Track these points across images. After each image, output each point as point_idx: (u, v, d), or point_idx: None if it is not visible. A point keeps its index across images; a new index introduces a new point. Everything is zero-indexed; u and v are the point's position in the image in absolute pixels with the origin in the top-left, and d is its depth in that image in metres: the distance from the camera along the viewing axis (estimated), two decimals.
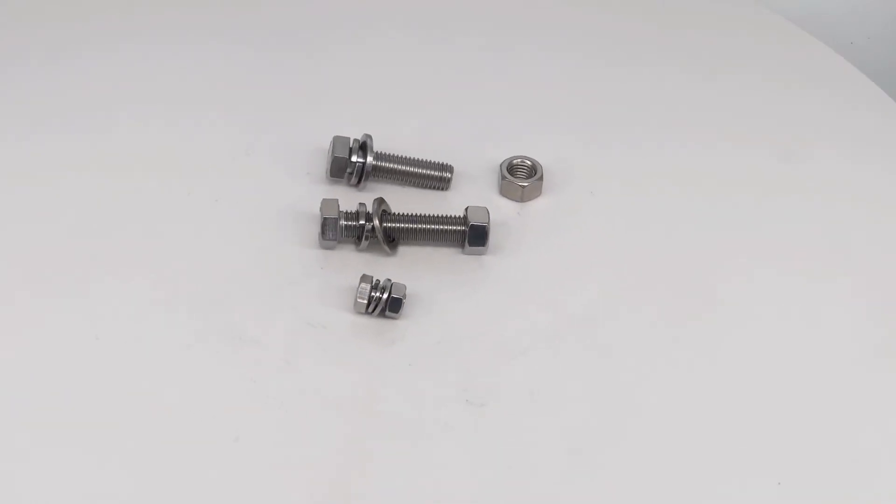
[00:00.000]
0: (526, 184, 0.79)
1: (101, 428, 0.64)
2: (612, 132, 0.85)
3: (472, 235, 0.74)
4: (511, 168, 0.80)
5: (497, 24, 0.94)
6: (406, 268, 0.74)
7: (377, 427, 0.66)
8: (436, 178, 0.78)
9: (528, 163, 0.80)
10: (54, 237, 0.74)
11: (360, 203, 0.74)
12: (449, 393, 0.68)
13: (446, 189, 0.79)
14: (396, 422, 0.66)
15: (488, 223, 0.74)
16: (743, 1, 0.99)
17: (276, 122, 0.82)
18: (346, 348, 0.70)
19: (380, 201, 0.75)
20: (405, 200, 0.77)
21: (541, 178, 0.79)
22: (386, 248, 0.74)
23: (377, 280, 0.71)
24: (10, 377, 0.66)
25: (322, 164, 0.79)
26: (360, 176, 0.77)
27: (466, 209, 0.75)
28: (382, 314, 0.71)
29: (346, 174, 0.77)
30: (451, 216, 0.75)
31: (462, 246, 0.75)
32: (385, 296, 0.70)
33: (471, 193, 0.79)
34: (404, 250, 0.75)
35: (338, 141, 0.77)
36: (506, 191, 0.80)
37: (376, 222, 0.73)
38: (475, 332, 0.71)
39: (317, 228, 0.74)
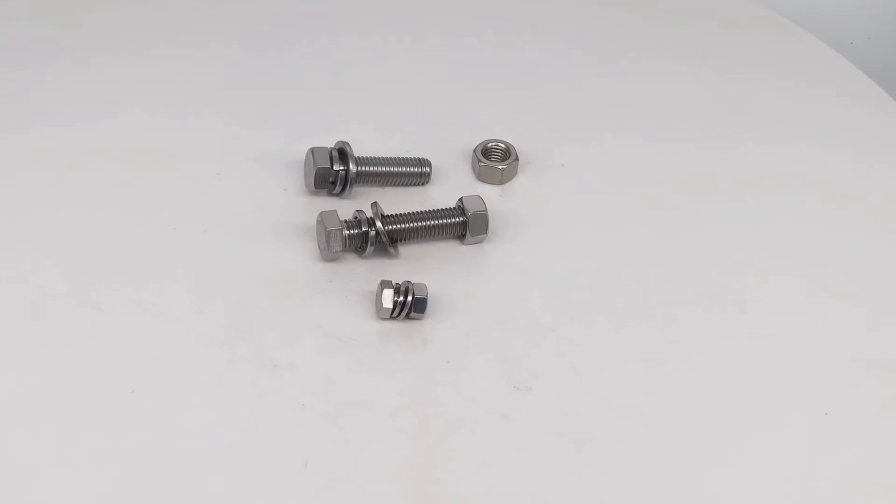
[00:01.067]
0: (504, 166, 0.80)
1: (172, 469, 0.63)
2: (579, 115, 0.86)
3: (474, 224, 0.75)
4: (486, 152, 0.81)
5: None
6: (412, 266, 0.74)
7: (441, 429, 0.66)
8: (416, 174, 0.78)
9: (502, 145, 0.81)
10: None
11: (357, 210, 0.74)
12: (494, 383, 0.68)
13: (426, 184, 0.79)
14: (457, 421, 0.66)
15: (486, 210, 0.75)
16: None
17: (237, 139, 0.81)
18: (382, 357, 0.69)
19: (376, 205, 0.74)
20: (392, 200, 0.76)
21: (517, 159, 0.80)
22: (392, 250, 0.73)
23: (397, 283, 0.70)
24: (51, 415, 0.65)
25: (296, 177, 0.78)
26: (345, 184, 0.76)
27: (461, 200, 0.75)
28: (407, 316, 0.70)
29: (329, 184, 0.76)
30: (447, 209, 0.75)
31: (462, 237, 0.75)
32: (409, 298, 0.70)
33: (449, 183, 0.80)
34: (405, 250, 0.75)
35: (316, 152, 0.76)
36: (485, 175, 0.80)
37: (379, 226, 0.73)
38: (500, 319, 0.72)
39: (313, 242, 0.74)
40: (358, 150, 0.77)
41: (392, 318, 0.70)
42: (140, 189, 0.77)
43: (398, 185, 0.78)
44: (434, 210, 0.75)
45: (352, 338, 0.70)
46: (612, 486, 0.64)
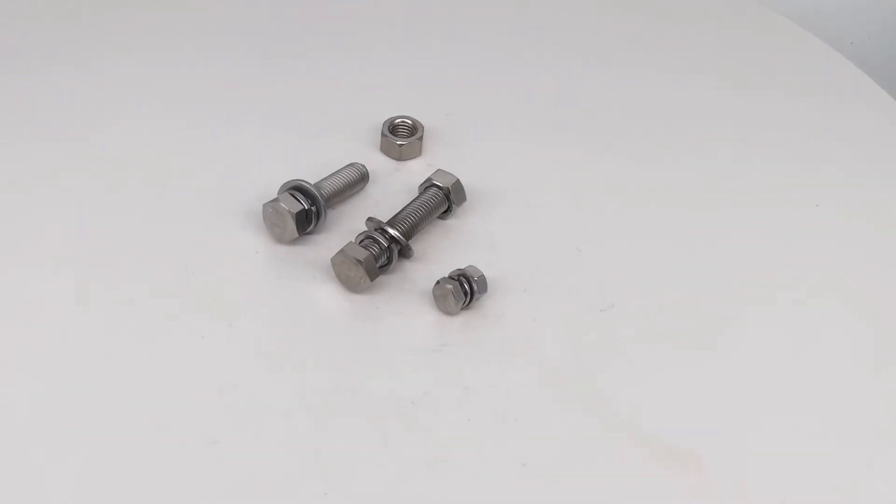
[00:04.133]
0: (404, 142, 0.81)
1: None
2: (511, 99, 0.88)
3: (457, 194, 0.76)
4: (393, 128, 0.81)
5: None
6: (424, 260, 0.74)
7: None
8: (361, 180, 0.77)
9: (410, 122, 0.81)
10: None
11: (366, 237, 0.72)
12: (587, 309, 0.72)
13: (367, 181, 0.78)
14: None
15: (456, 177, 0.77)
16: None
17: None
18: (502, 352, 0.70)
19: (375, 221, 0.73)
20: (354, 209, 0.77)
21: (420, 138, 0.81)
22: (410, 254, 0.73)
23: (450, 276, 0.71)
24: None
25: (258, 236, 0.74)
26: (318, 217, 0.74)
27: (430, 181, 0.76)
28: (473, 301, 0.71)
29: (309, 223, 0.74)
30: (428, 193, 0.76)
31: (447, 213, 0.76)
32: (472, 283, 0.71)
33: (353, 151, 0.81)
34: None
35: (282, 201, 0.73)
36: (385, 148, 0.81)
37: (400, 237, 0.72)
38: (560, 271, 0.75)
39: (332, 281, 0.72)
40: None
41: (465, 307, 0.71)
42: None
43: (350, 195, 0.77)
44: (420, 198, 0.75)
45: (442, 344, 0.70)
46: None
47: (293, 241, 0.74)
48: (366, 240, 0.72)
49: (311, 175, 0.77)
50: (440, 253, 0.75)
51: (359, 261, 0.70)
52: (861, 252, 0.78)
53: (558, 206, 0.79)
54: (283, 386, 0.66)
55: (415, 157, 0.81)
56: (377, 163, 0.80)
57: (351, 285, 0.71)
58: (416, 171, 0.80)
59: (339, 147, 0.81)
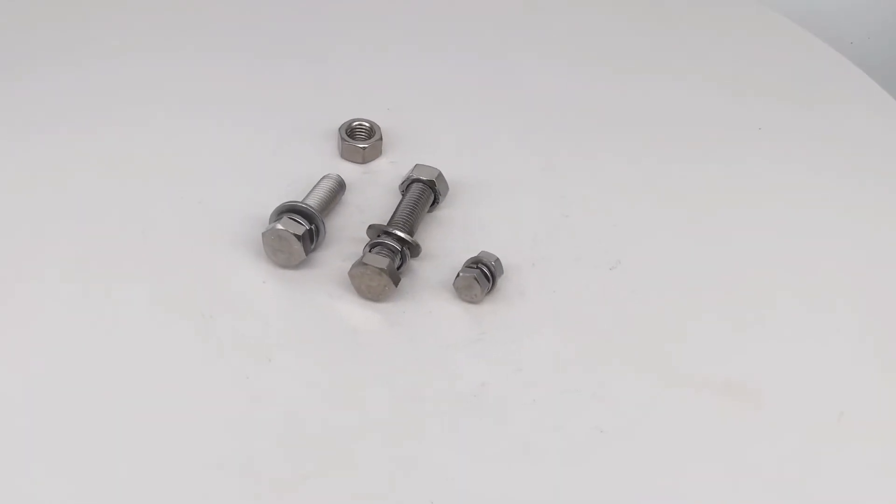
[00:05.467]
0: (366, 145, 0.80)
1: None
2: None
3: (441, 186, 0.77)
4: (350, 131, 0.80)
5: None
6: (428, 256, 0.74)
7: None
8: (340, 187, 0.77)
9: (367, 124, 0.80)
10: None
11: (375, 244, 0.72)
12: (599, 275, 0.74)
13: (345, 189, 0.77)
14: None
15: (438, 169, 0.77)
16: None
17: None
18: (539, 327, 0.71)
19: (377, 228, 0.72)
20: (342, 218, 0.76)
21: (381, 139, 0.80)
22: (418, 252, 0.73)
23: (468, 266, 0.71)
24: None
25: (259, 263, 0.72)
26: (318, 235, 0.73)
27: (412, 176, 0.76)
28: (495, 285, 0.72)
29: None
30: (414, 189, 0.76)
31: (433, 205, 0.77)
32: (491, 268, 0.71)
33: (313, 161, 0.80)
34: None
35: (283, 224, 0.71)
36: (348, 154, 0.80)
37: (409, 239, 0.72)
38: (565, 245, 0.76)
39: (350, 294, 0.71)
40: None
41: (488, 292, 0.72)
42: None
43: (334, 208, 0.76)
44: (409, 195, 0.75)
45: (482, 333, 0.70)
46: None
47: (298, 266, 0.72)
48: (377, 247, 0.72)
49: (281, 192, 0.76)
50: (439, 245, 0.75)
51: (382, 269, 0.70)
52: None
53: (531, 181, 0.81)
54: (348, 407, 0.66)
55: (377, 158, 0.81)
56: (342, 169, 0.79)
57: (373, 294, 0.71)
58: (383, 172, 0.80)
59: (298, 159, 0.80)
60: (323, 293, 0.71)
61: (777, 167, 0.83)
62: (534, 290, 0.73)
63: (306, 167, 0.79)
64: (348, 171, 0.79)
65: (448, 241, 0.76)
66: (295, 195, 0.76)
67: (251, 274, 0.72)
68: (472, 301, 0.72)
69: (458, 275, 0.71)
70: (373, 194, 0.78)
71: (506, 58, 0.93)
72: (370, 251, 0.71)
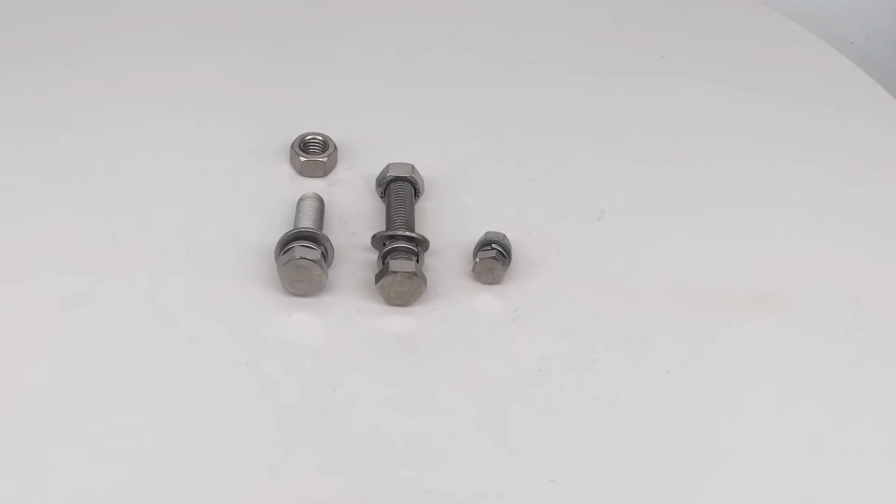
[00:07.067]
0: (325, 158, 0.79)
1: None
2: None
3: (418, 179, 0.77)
4: (304, 146, 0.79)
5: None
6: (431, 252, 0.74)
7: None
8: (322, 204, 0.76)
9: (320, 137, 0.80)
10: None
11: (391, 250, 0.71)
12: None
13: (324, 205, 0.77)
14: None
15: (411, 163, 0.78)
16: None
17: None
18: (568, 292, 0.73)
19: (380, 235, 0.72)
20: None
21: (336, 149, 0.80)
22: (427, 246, 0.73)
23: (482, 248, 0.72)
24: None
25: (263, 296, 0.71)
26: (328, 256, 0.72)
27: (388, 177, 0.76)
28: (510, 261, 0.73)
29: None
30: (396, 188, 0.76)
31: (416, 198, 0.77)
32: (504, 246, 0.72)
33: (273, 182, 0.79)
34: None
35: (302, 253, 0.69)
36: (308, 170, 0.79)
37: (419, 236, 0.72)
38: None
39: (379, 306, 0.71)
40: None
41: (507, 265, 0.73)
42: None
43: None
44: (395, 195, 0.75)
45: (515, 311, 0.71)
46: None
47: (323, 288, 0.71)
48: (393, 252, 0.71)
49: (260, 224, 0.75)
50: (435, 236, 0.75)
51: (412, 273, 0.70)
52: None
53: (485, 158, 0.82)
54: (432, 411, 0.66)
55: (333, 168, 0.80)
56: (305, 186, 0.78)
57: (403, 300, 0.71)
58: (347, 180, 0.79)
59: (257, 187, 0.78)
60: (351, 311, 0.71)
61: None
62: (540, 256, 0.75)
63: (270, 192, 0.78)
64: (313, 186, 0.78)
65: (441, 230, 0.76)
66: (279, 223, 0.75)
67: (273, 309, 0.70)
68: (495, 282, 0.73)
69: (475, 260, 0.72)
70: (348, 204, 0.77)
71: (417, 56, 0.93)
72: (390, 258, 0.71)
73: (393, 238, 0.72)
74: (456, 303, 0.72)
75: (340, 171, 0.80)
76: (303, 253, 0.70)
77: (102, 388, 0.65)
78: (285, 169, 0.80)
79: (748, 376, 0.68)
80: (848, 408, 0.68)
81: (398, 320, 0.70)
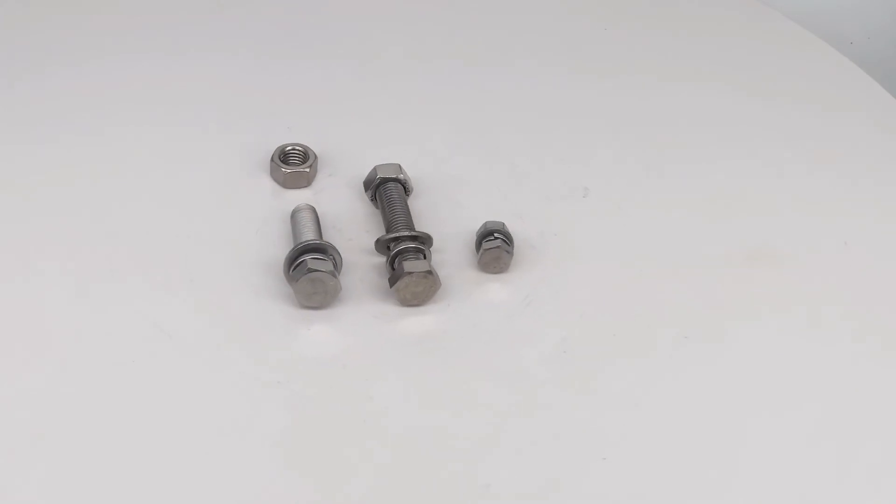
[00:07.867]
0: (307, 168, 0.79)
1: None
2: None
3: (406, 179, 0.78)
4: (284, 157, 0.79)
5: None
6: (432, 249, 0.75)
7: None
8: (317, 214, 0.75)
9: (300, 148, 0.79)
10: None
11: (400, 252, 0.72)
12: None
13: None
14: None
15: (398, 163, 0.78)
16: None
17: None
18: (578, 271, 0.74)
19: (384, 239, 0.72)
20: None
21: (316, 157, 0.79)
22: (431, 243, 0.74)
23: (485, 238, 0.73)
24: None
25: (277, 314, 0.70)
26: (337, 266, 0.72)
27: (377, 179, 0.77)
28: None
29: None
30: (387, 189, 0.76)
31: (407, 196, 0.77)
32: (506, 234, 0.73)
33: (261, 198, 0.78)
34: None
35: (316, 266, 0.69)
36: (292, 182, 0.79)
37: (422, 234, 0.73)
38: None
39: (397, 309, 0.71)
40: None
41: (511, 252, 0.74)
42: None
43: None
44: (389, 196, 0.76)
45: (526, 297, 0.72)
46: None
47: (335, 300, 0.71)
48: (402, 254, 0.72)
49: (258, 242, 0.74)
50: (432, 232, 0.75)
51: (428, 272, 0.70)
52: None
53: (460, 150, 0.83)
54: (474, 408, 0.66)
55: (315, 177, 0.79)
56: (291, 197, 0.78)
57: (418, 300, 0.71)
58: (331, 187, 0.79)
59: (242, 204, 0.77)
60: (368, 317, 0.71)
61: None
62: (538, 239, 0.76)
63: (257, 207, 0.77)
64: (299, 197, 0.78)
65: (437, 225, 0.76)
66: (274, 238, 0.74)
67: (291, 325, 0.70)
68: (501, 271, 0.74)
69: (480, 252, 0.73)
70: (338, 211, 0.77)
71: (380, 57, 0.93)
72: (403, 260, 0.71)
73: (398, 240, 0.72)
74: (467, 296, 0.72)
75: (322, 179, 0.80)
76: (315, 265, 0.70)
77: (138, 432, 0.64)
78: (266, 182, 0.79)
79: (767, 333, 0.71)
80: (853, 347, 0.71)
81: (416, 321, 0.71)
